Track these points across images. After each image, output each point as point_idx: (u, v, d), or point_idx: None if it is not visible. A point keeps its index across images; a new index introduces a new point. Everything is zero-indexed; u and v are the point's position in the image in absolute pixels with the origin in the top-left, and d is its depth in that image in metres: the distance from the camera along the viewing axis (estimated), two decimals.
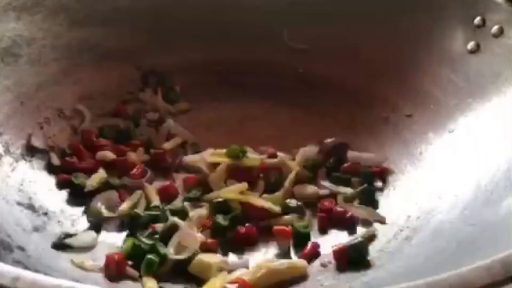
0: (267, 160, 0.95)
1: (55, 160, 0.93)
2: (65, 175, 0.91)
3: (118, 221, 0.86)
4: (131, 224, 0.84)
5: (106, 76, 1.05)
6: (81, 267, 0.77)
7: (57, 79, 1.00)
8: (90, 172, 0.91)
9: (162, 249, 0.79)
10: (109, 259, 0.77)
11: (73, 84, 1.02)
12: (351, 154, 0.96)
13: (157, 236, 0.82)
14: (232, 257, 0.81)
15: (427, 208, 0.85)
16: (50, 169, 0.92)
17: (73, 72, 1.02)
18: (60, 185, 0.90)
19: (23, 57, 0.97)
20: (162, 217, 0.85)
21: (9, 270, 0.53)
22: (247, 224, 0.84)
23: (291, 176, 0.91)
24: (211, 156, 0.94)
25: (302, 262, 0.79)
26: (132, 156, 0.95)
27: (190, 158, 0.96)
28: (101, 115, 1.03)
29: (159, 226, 0.83)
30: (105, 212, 0.86)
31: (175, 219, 0.84)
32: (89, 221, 0.85)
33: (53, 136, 0.96)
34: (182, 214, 0.86)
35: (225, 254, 0.81)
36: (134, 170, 0.93)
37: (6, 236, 0.75)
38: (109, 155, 0.95)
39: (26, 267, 0.70)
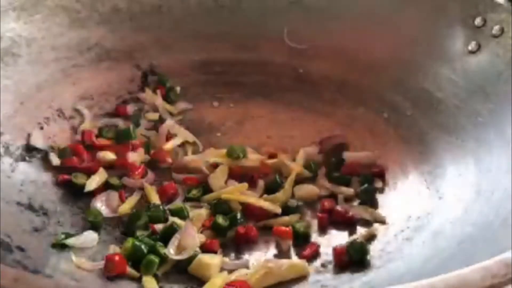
0: (267, 160, 0.95)
1: (55, 160, 0.93)
2: (65, 175, 0.90)
3: (118, 221, 0.86)
4: (131, 224, 0.84)
5: (106, 76, 1.05)
6: (81, 267, 0.77)
7: (57, 79, 1.00)
8: (90, 172, 0.91)
9: (162, 249, 0.79)
10: (109, 259, 0.77)
11: (73, 84, 1.02)
12: (346, 154, 0.96)
13: (157, 236, 0.82)
14: (232, 257, 0.81)
15: (428, 208, 0.85)
16: (50, 169, 0.92)
17: (73, 72, 1.02)
18: (60, 185, 0.90)
19: (23, 57, 0.97)
20: (162, 217, 0.85)
21: (9, 271, 0.53)
22: (247, 224, 0.84)
23: (291, 176, 0.91)
24: (211, 156, 0.94)
25: (302, 263, 0.79)
26: (132, 156, 0.95)
27: (190, 158, 0.96)
28: (101, 115, 1.03)
29: (159, 227, 0.83)
30: (105, 212, 0.86)
31: (175, 219, 0.84)
32: (89, 221, 0.85)
33: (53, 136, 0.96)
34: (182, 214, 0.86)
35: (225, 254, 0.81)
36: (134, 170, 0.93)
37: (6, 237, 0.75)
38: (109, 155, 0.95)
39: (26, 268, 0.70)
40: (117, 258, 0.77)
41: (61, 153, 0.94)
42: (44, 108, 0.97)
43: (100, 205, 0.87)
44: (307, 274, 0.78)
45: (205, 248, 0.80)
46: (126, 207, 0.87)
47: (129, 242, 0.80)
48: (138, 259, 0.78)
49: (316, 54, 1.07)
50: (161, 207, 0.87)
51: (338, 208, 0.88)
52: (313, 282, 0.77)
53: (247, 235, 0.83)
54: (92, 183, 0.89)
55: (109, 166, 0.93)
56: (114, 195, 0.89)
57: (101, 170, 0.91)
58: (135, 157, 0.95)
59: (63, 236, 0.81)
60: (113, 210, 0.87)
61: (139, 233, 0.82)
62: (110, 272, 0.76)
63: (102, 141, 0.97)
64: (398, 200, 0.90)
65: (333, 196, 0.91)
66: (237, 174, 0.92)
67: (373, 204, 0.90)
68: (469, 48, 0.94)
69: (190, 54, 1.10)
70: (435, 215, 0.83)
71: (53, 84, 1.00)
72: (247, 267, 0.79)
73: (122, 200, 0.89)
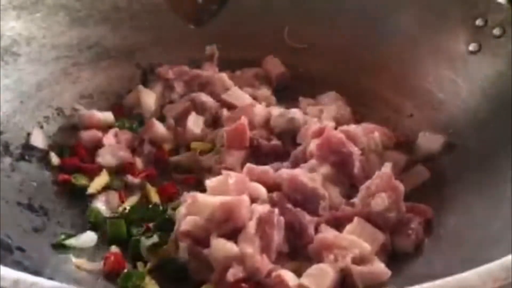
0: None
1: (55, 160, 0.92)
2: (65, 175, 0.90)
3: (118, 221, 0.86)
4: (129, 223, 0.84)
5: (106, 75, 1.05)
6: (81, 268, 0.77)
7: (57, 78, 1.00)
8: (91, 172, 0.91)
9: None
10: (108, 258, 0.78)
11: (73, 83, 1.02)
12: None
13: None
14: None
15: None
16: (50, 168, 0.92)
17: (73, 71, 1.02)
18: (60, 185, 0.90)
19: (23, 56, 0.97)
20: (162, 216, 0.85)
21: (9, 273, 0.53)
22: None
23: None
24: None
25: None
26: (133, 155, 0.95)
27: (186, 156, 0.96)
28: None
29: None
30: (105, 212, 0.86)
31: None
32: (89, 221, 0.85)
33: (53, 135, 0.96)
34: None
35: None
36: (135, 170, 0.93)
37: (6, 237, 0.75)
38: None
39: (26, 268, 0.70)
40: (116, 257, 0.78)
41: (61, 152, 0.94)
42: (44, 107, 0.97)
43: (100, 205, 0.87)
44: None
45: None
46: (126, 207, 0.87)
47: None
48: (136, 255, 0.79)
49: (316, 54, 1.08)
50: (160, 207, 0.87)
51: None
52: None
53: None
54: (95, 186, 0.89)
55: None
56: (114, 195, 0.89)
57: (104, 172, 0.91)
58: (136, 156, 0.95)
59: (63, 236, 0.81)
60: (113, 210, 0.87)
61: (134, 230, 0.83)
62: (109, 272, 0.76)
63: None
64: None
65: None
66: None
67: None
68: (470, 48, 0.94)
69: (190, 53, 1.09)
70: (437, 218, 0.82)
71: (53, 83, 1.00)
72: None
73: (122, 200, 0.88)
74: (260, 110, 0.97)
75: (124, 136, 0.97)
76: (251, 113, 0.96)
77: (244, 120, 0.93)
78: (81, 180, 0.90)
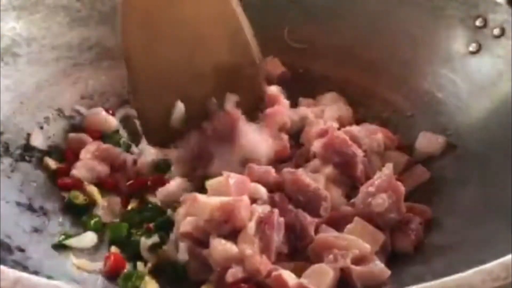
0: None
1: (52, 164, 0.92)
2: (65, 179, 0.89)
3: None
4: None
5: (107, 76, 1.05)
6: (81, 268, 0.77)
7: (57, 78, 1.00)
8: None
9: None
10: (108, 258, 0.78)
11: (73, 83, 1.02)
12: None
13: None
14: None
15: None
16: (50, 169, 0.91)
17: (73, 72, 1.02)
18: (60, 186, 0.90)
19: (23, 56, 0.97)
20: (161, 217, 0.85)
21: (9, 272, 0.53)
22: None
23: None
24: None
25: None
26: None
27: None
28: None
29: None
30: (106, 217, 0.86)
31: None
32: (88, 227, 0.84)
33: (53, 136, 0.96)
34: None
35: None
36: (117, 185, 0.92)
37: (6, 237, 0.75)
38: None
39: (26, 268, 0.71)
40: (116, 257, 0.78)
41: (61, 155, 0.94)
42: (44, 108, 0.97)
43: (101, 210, 0.87)
44: None
45: None
46: (127, 209, 0.88)
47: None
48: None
49: (316, 54, 1.07)
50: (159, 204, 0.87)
51: None
52: None
53: None
54: (95, 198, 0.88)
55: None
56: (116, 201, 0.89)
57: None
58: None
59: (63, 236, 0.81)
60: (114, 215, 0.87)
61: (134, 230, 0.83)
62: (109, 273, 0.77)
63: None
64: None
65: None
66: None
67: None
68: (470, 48, 0.94)
69: None
70: (436, 216, 0.82)
71: (53, 84, 0.99)
72: None
73: (124, 206, 0.88)
74: None
75: (108, 152, 0.94)
76: None
77: None
78: (80, 198, 0.88)
